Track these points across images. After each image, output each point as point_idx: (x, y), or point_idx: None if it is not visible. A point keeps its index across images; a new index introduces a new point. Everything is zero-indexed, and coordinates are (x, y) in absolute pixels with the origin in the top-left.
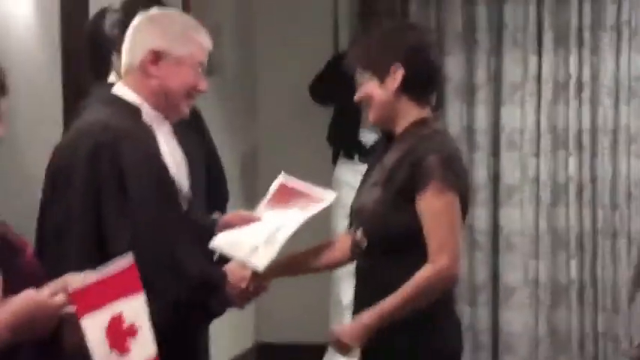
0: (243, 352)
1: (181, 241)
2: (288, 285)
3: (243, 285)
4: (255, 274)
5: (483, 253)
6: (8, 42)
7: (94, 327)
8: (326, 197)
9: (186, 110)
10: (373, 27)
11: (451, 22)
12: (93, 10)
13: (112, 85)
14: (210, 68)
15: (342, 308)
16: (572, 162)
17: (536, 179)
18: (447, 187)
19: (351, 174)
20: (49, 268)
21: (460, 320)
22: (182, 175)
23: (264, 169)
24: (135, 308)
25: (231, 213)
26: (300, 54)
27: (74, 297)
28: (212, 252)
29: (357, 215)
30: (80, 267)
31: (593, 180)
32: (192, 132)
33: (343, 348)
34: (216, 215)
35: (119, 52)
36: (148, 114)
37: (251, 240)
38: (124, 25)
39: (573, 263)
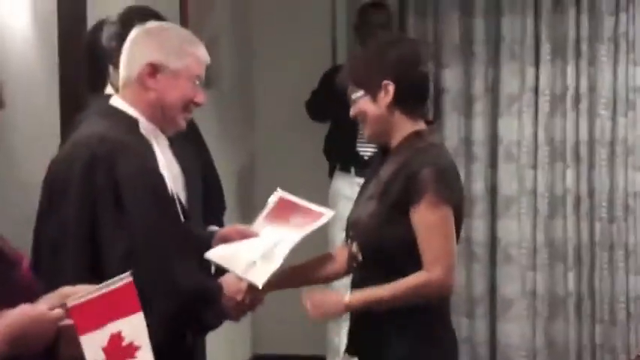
0: None
1: (177, 253)
2: (285, 296)
3: (239, 297)
4: (251, 287)
5: (481, 265)
6: (5, 54)
7: (92, 345)
8: (324, 214)
9: (183, 123)
10: (368, 40)
11: (449, 35)
12: (91, 22)
13: (109, 97)
14: (208, 80)
15: (340, 320)
16: (570, 174)
17: (534, 191)
18: (441, 200)
19: (348, 186)
20: (45, 281)
21: (455, 332)
22: (179, 187)
23: (260, 181)
24: (134, 327)
25: (228, 227)
26: (297, 66)
27: (73, 312)
28: (208, 264)
29: (352, 228)
30: (76, 280)
31: (591, 192)
32: (188, 143)
33: (316, 314)
34: (213, 228)
35: (116, 64)
36: (145, 126)
37: (248, 255)
38: (121, 37)
39: (571, 275)
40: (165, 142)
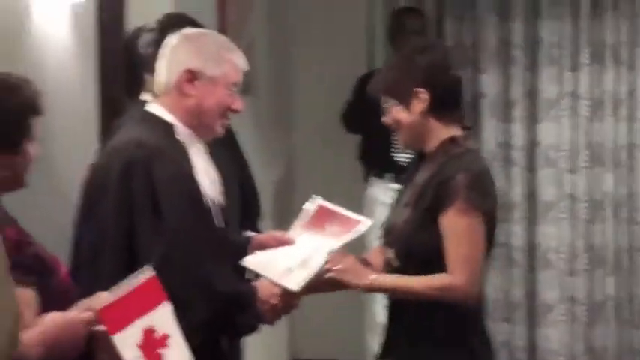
0: None
1: (212, 258)
2: (323, 302)
3: (274, 301)
4: (285, 291)
5: (520, 270)
6: (44, 62)
7: (127, 343)
8: (362, 222)
9: (220, 130)
10: (402, 46)
11: (486, 39)
12: (130, 29)
13: (145, 103)
14: (245, 87)
15: (378, 328)
16: (609, 178)
17: (573, 196)
18: (471, 207)
19: (384, 193)
20: (83, 287)
21: (490, 338)
22: (216, 193)
23: (297, 187)
24: (163, 317)
25: (265, 233)
26: (334, 72)
27: (102, 314)
28: (244, 269)
29: (388, 234)
30: (113, 285)
31: (630, 196)
32: (224, 149)
33: (339, 276)
34: (248, 233)
35: (153, 71)
36: (182, 132)
37: (284, 262)
38: (158, 44)
39: (610, 280)
40: (202, 148)
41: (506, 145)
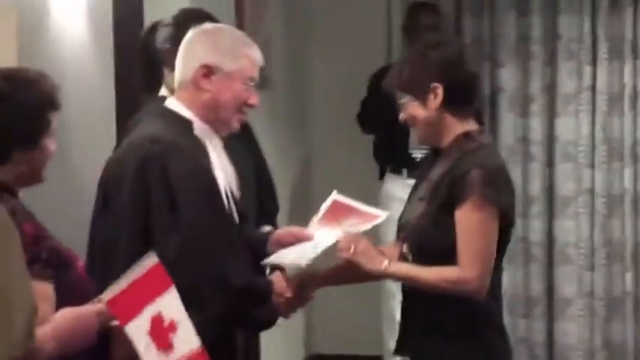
0: None
1: (228, 253)
2: (341, 296)
3: (289, 294)
4: (301, 284)
5: (538, 265)
6: (62, 57)
7: (138, 332)
8: (379, 216)
9: (236, 125)
10: (418, 42)
11: (505, 34)
12: (147, 24)
13: (163, 98)
14: (262, 82)
15: (395, 323)
16: (628, 173)
17: (591, 190)
18: (486, 202)
19: (400, 188)
20: (99, 281)
21: (506, 333)
22: (233, 188)
23: (315, 182)
24: (170, 303)
25: (283, 229)
26: (351, 67)
27: (111, 305)
28: (261, 266)
29: (403, 229)
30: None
31: None
32: (242, 144)
33: (354, 258)
34: (266, 228)
35: (170, 66)
36: (199, 127)
37: (299, 249)
38: (175, 39)
39: (629, 275)
40: (219, 143)
41: (524, 140)
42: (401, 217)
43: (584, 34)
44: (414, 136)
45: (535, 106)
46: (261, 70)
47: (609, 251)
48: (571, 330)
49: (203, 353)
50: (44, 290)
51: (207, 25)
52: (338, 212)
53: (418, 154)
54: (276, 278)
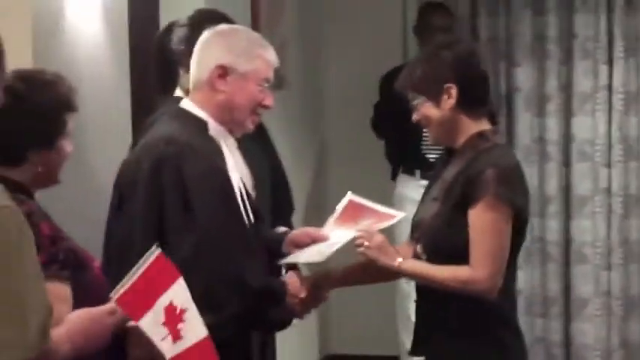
0: None
1: (243, 253)
2: (355, 295)
3: (303, 295)
4: (315, 285)
5: (555, 265)
6: (77, 58)
7: (152, 325)
8: (395, 216)
9: (251, 126)
10: (430, 43)
11: (521, 33)
12: (162, 25)
13: (178, 99)
14: (278, 82)
15: (411, 324)
16: None
17: (608, 190)
18: (499, 202)
19: (413, 189)
20: (114, 283)
21: (521, 333)
22: (249, 188)
23: (331, 183)
24: (179, 293)
25: (299, 229)
26: (366, 69)
27: (120, 303)
28: (277, 266)
29: (416, 229)
30: None
31: None
32: (257, 146)
33: (369, 253)
34: (281, 229)
35: (185, 67)
36: (214, 128)
37: (315, 247)
38: (190, 40)
39: None
40: (234, 144)
41: (540, 140)
42: (415, 217)
43: (600, 33)
44: (427, 136)
45: (551, 105)
46: (277, 70)
47: (626, 251)
48: (588, 330)
49: (210, 343)
50: (62, 291)
51: (223, 26)
52: (354, 212)
53: (431, 154)
54: (291, 279)
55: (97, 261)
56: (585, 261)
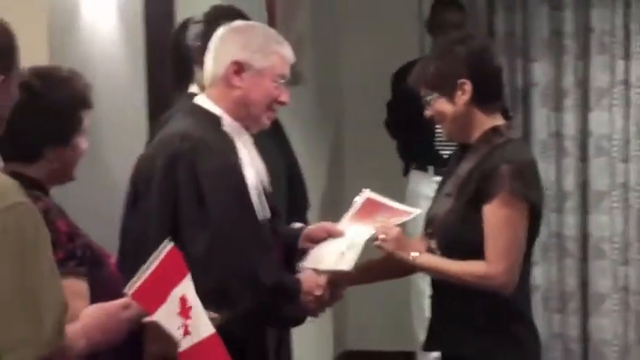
0: None
1: (257, 250)
2: (370, 292)
3: (318, 292)
4: (330, 282)
5: (572, 260)
6: (93, 56)
7: (168, 317)
8: (411, 213)
9: (266, 122)
10: (441, 39)
11: (537, 28)
12: (178, 21)
13: (193, 95)
14: (294, 79)
15: (426, 320)
16: None
17: (626, 185)
18: (515, 198)
19: (426, 185)
20: (129, 279)
21: (536, 328)
22: (265, 184)
23: (346, 179)
24: (188, 288)
25: (315, 224)
26: (382, 65)
27: (135, 297)
28: (292, 262)
29: (430, 225)
30: None
31: None
32: (273, 142)
33: (387, 246)
34: (296, 225)
35: (201, 63)
36: (229, 124)
37: (336, 249)
38: (205, 36)
39: None
40: (249, 140)
41: (558, 135)
42: (428, 213)
43: (617, 28)
44: (442, 132)
45: (568, 100)
46: (292, 67)
47: None
48: (606, 325)
49: (218, 340)
50: (79, 288)
51: (239, 23)
52: (370, 209)
53: (445, 150)
54: (306, 277)
55: (113, 257)
56: (603, 256)
